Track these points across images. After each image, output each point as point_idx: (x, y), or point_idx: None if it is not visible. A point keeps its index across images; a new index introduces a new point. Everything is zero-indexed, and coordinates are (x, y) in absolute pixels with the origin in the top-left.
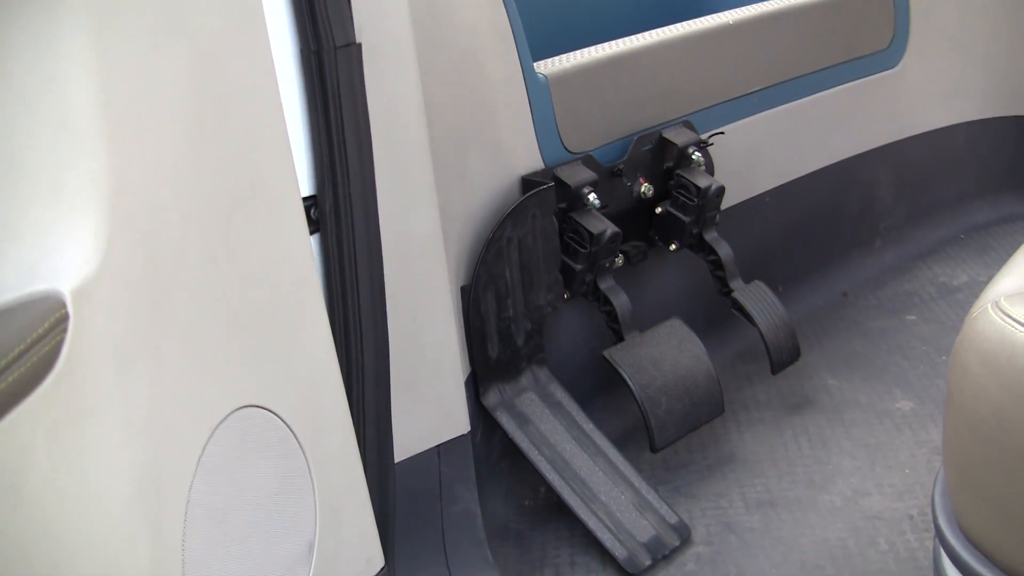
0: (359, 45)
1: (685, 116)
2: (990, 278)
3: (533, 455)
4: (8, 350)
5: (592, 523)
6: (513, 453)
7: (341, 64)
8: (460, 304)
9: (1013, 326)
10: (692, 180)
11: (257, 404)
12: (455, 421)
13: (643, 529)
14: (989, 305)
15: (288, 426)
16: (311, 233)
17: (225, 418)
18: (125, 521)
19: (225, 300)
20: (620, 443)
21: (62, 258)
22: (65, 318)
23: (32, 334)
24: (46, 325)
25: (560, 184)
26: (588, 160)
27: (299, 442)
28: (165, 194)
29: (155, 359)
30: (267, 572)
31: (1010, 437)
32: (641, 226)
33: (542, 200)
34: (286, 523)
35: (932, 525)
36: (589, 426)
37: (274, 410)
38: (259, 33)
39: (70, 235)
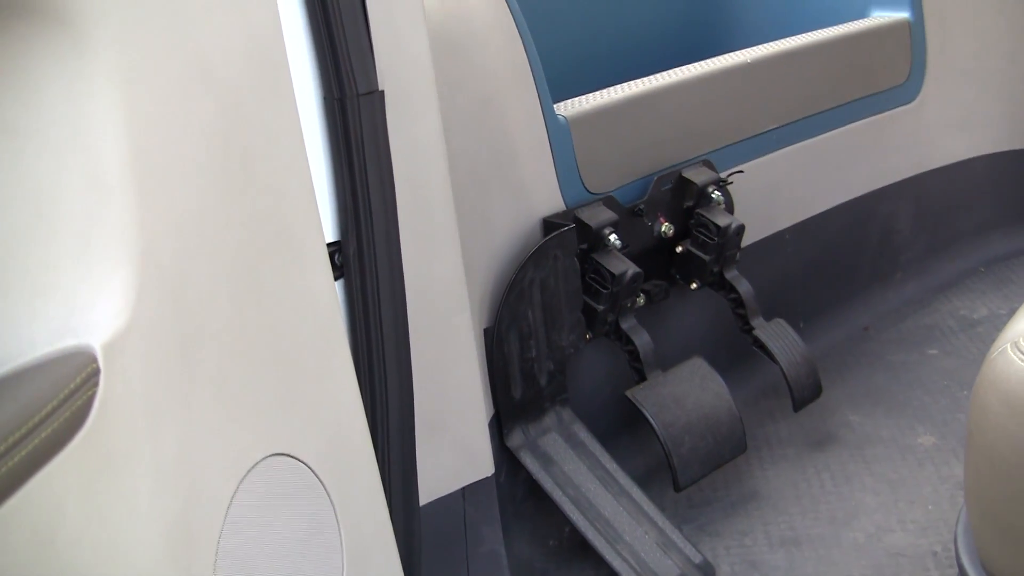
0: (382, 92)
1: (704, 155)
2: (1010, 311)
3: (557, 495)
4: (41, 406)
5: (617, 563)
6: (537, 494)
7: (364, 111)
8: (483, 345)
9: None
10: (712, 219)
11: (284, 452)
12: (479, 463)
13: (668, 569)
14: (1008, 345)
15: (315, 473)
16: (336, 279)
17: (253, 467)
18: (156, 572)
19: (252, 349)
20: (643, 482)
21: (92, 313)
22: (96, 372)
23: (64, 390)
24: (78, 380)
25: (581, 225)
26: (609, 200)
27: (325, 489)
28: (192, 246)
29: (184, 410)
30: None
31: None
32: (662, 265)
33: (563, 242)
34: (314, 569)
35: (955, 562)
36: (612, 466)
37: (301, 458)
38: (284, 83)
39: (100, 290)
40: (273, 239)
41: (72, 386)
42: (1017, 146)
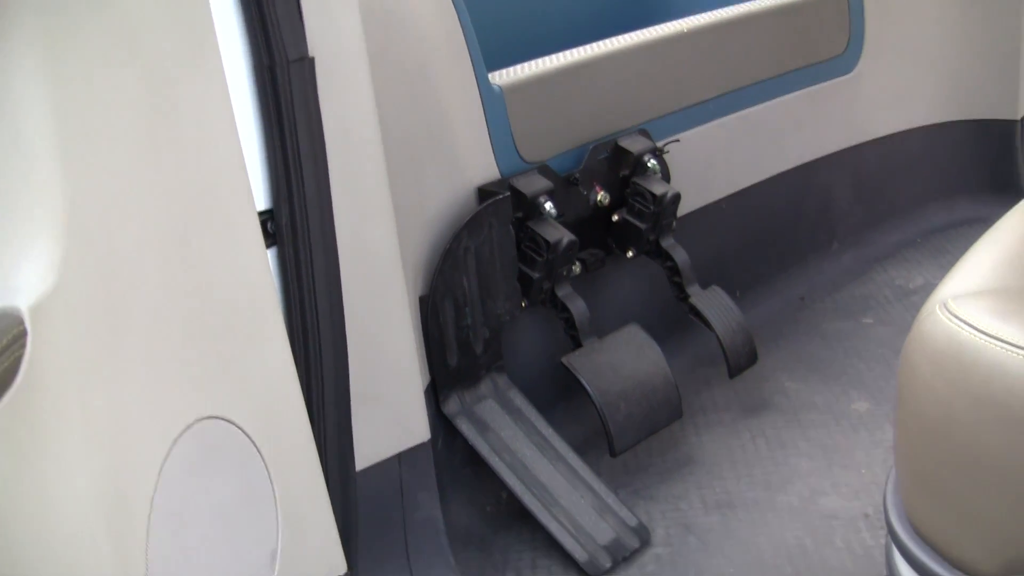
0: (312, 59)
1: (641, 124)
2: None
3: (494, 461)
4: None
5: (553, 527)
6: (474, 460)
7: (295, 78)
8: (418, 314)
9: (960, 326)
10: (648, 188)
11: (217, 415)
12: (415, 429)
13: (603, 532)
14: (937, 306)
15: (248, 436)
16: (268, 247)
17: (185, 429)
18: (87, 534)
19: (182, 313)
20: (580, 448)
21: (19, 276)
22: (23, 334)
23: None
24: (4, 342)
25: (516, 194)
26: (544, 169)
27: (260, 452)
28: (120, 211)
29: (114, 373)
30: None
31: (956, 433)
32: (598, 234)
33: (498, 210)
34: (248, 532)
35: (885, 519)
36: (549, 432)
37: (234, 420)
38: (211, 50)
39: (26, 253)
40: (202, 206)
41: None
42: (953, 117)
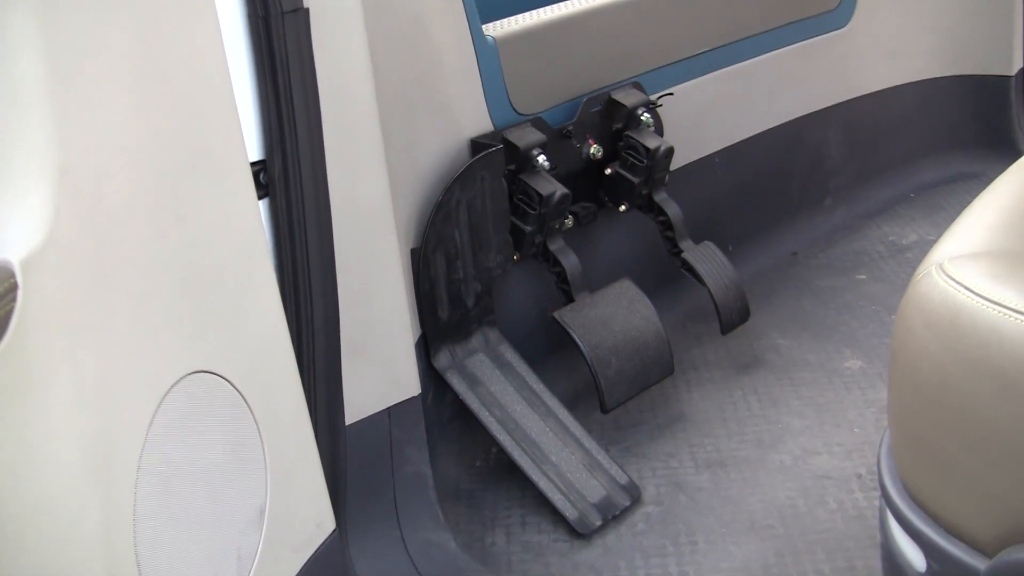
0: (307, 10)
1: (634, 77)
2: (939, 237)
3: (484, 416)
4: None
5: (543, 484)
6: (464, 414)
7: (289, 29)
8: (410, 267)
9: (956, 288)
10: (641, 141)
11: (206, 369)
12: (405, 383)
13: (594, 489)
14: (933, 268)
15: (238, 390)
16: (261, 198)
17: (175, 384)
18: (75, 488)
19: (174, 266)
20: (570, 404)
21: (9, 229)
22: (14, 288)
23: None
24: None
25: (509, 146)
26: (537, 122)
27: (249, 406)
28: (112, 163)
29: (104, 327)
30: (218, 536)
31: (952, 398)
32: (591, 187)
33: (491, 162)
34: (237, 487)
35: (879, 483)
36: (540, 387)
37: (223, 375)
38: (205, 0)
39: (17, 206)
40: (194, 157)
41: None
42: (947, 72)
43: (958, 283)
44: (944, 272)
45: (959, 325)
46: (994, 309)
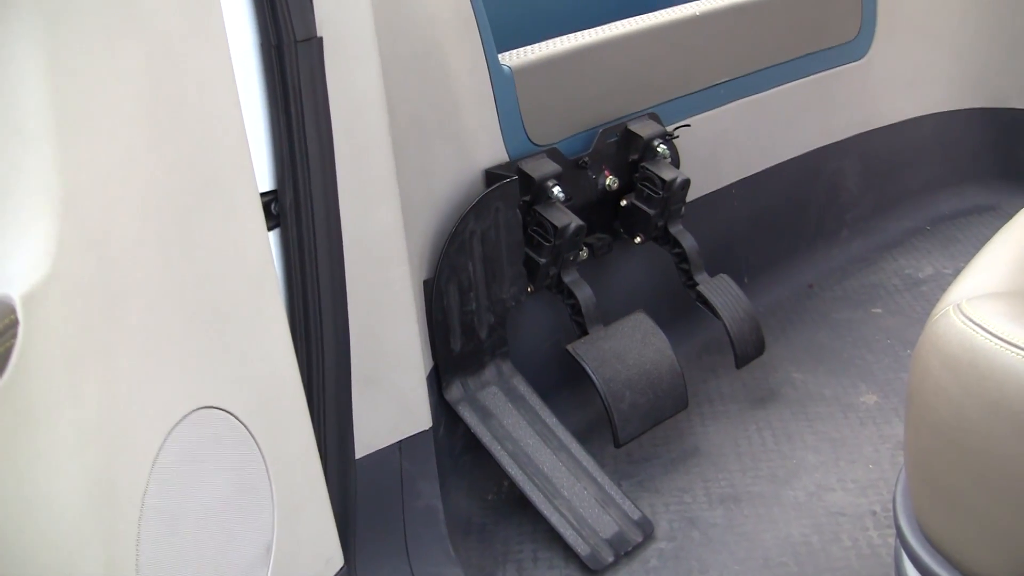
0: (320, 39)
1: (651, 108)
2: (955, 270)
3: (496, 450)
4: None
5: (555, 519)
6: (476, 448)
7: (302, 58)
8: (422, 298)
9: (974, 329)
10: (657, 173)
11: (213, 405)
12: (417, 416)
13: (606, 525)
14: (951, 307)
15: (245, 426)
16: (271, 229)
17: (180, 420)
18: (77, 528)
19: (180, 300)
20: (583, 437)
21: (11, 263)
22: (14, 324)
23: None
24: None
25: (524, 177)
26: (553, 152)
27: (256, 442)
28: (118, 195)
29: (108, 363)
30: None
31: (969, 439)
32: (606, 219)
33: (506, 193)
34: (243, 525)
35: (893, 522)
36: (552, 420)
37: (231, 411)
38: (216, 29)
39: (19, 240)
40: (203, 189)
41: None
42: (965, 105)
43: (976, 324)
44: (962, 312)
45: (977, 366)
46: (1012, 351)
